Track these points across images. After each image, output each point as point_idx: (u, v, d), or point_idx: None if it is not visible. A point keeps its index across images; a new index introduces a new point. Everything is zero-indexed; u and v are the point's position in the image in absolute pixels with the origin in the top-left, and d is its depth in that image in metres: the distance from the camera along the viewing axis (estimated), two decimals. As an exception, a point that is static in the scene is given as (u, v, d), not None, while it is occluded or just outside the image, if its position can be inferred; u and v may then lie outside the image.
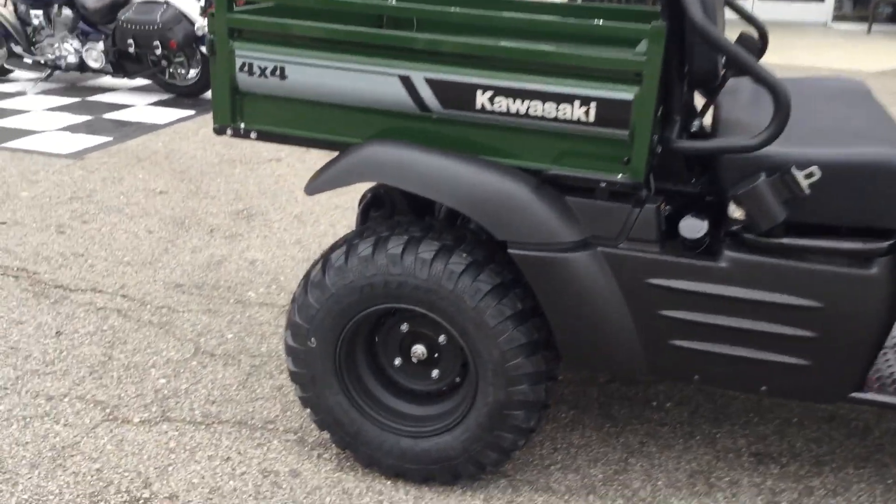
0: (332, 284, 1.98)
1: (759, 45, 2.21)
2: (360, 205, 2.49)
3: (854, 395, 1.85)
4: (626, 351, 1.91)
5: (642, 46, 1.80)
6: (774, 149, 1.78)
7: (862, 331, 1.78)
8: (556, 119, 1.84)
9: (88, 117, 5.68)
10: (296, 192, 4.23)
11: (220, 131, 2.14)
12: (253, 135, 2.12)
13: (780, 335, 1.82)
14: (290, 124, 2.08)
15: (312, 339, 2.03)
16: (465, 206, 1.88)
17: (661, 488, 2.13)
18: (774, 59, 8.23)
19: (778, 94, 1.70)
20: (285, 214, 3.94)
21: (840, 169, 1.75)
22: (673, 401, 2.51)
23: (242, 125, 2.12)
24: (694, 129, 2.18)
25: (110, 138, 5.13)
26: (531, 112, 1.84)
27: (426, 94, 1.91)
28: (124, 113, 5.81)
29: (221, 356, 2.66)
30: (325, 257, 2.03)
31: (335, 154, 2.07)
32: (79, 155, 4.76)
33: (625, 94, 1.77)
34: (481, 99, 1.87)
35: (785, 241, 1.79)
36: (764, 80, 1.70)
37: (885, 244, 1.75)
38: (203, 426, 2.29)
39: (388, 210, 2.45)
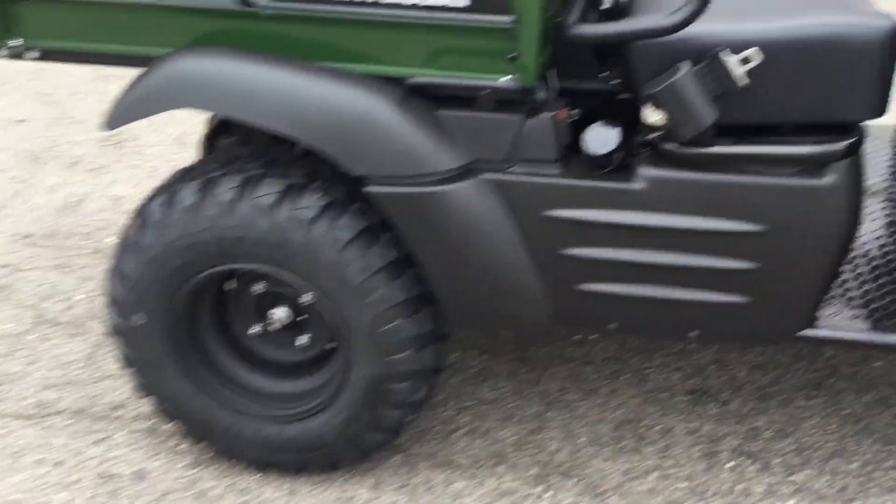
0: (153, 245, 1.55)
1: None
2: (206, 130, 2.01)
3: (805, 332, 1.51)
4: (527, 302, 1.53)
5: None
6: (699, 28, 1.35)
7: (814, 256, 1.42)
8: (416, 6, 1.38)
9: (-54, 36, 4.93)
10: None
11: None
12: (34, 54, 1.62)
13: (713, 269, 1.45)
14: (80, 36, 1.59)
15: (139, 315, 1.61)
16: (304, 132, 1.44)
17: (582, 447, 1.81)
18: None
19: None
20: (163, 137, 3.41)
21: (784, 49, 1.34)
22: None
23: (21, 42, 1.61)
24: (606, 4, 1.73)
25: (-31, 59, 4.44)
26: (385, -1, 1.38)
27: (246, -19, 1.43)
28: (-11, 28, 5.05)
29: (67, 324, 2.22)
30: (142, 209, 1.58)
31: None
32: (-72, 83, 4.10)
33: None
34: (318, -17, 1.40)
35: (716, 149, 1.40)
36: None
37: (842, 144, 1.37)
38: (34, 421, 1.89)
39: (242, 136, 1.98)
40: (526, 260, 1.50)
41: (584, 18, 1.46)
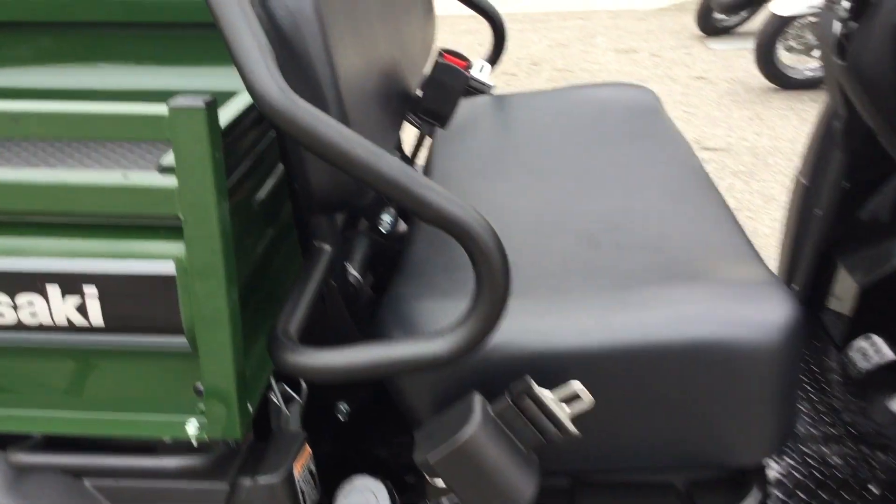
0: None
1: (470, 66, 1.35)
2: None
3: None
4: None
5: (168, 157, 0.77)
6: (500, 339, 0.83)
7: None
8: (21, 326, 0.80)
9: None
10: None
11: None
12: None
13: None
14: None
15: None
16: None
17: None
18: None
19: (479, 249, 0.74)
20: None
21: (626, 369, 0.84)
22: None
23: None
24: (386, 228, 1.23)
25: None
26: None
27: None
28: None
29: None
30: None
31: None
32: None
33: (157, 262, 0.78)
34: None
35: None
36: (444, 219, 0.74)
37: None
38: None
39: None
40: None
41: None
